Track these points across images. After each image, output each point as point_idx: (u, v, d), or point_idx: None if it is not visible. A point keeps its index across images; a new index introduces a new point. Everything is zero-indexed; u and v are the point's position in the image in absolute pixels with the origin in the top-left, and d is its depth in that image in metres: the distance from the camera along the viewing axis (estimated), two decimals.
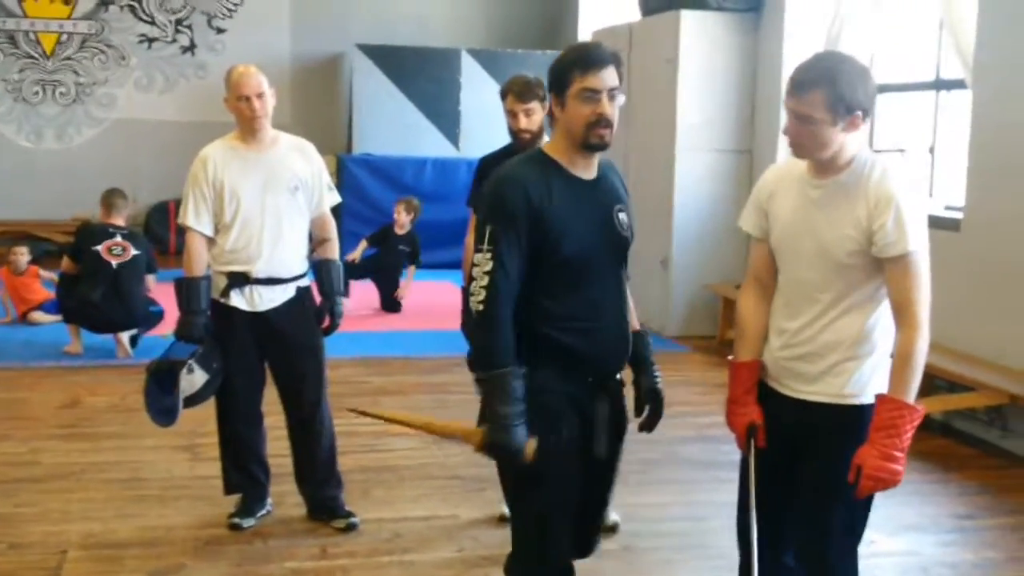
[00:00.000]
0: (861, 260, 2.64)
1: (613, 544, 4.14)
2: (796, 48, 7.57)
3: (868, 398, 2.67)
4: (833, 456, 2.68)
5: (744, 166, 8.05)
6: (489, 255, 2.58)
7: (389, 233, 8.93)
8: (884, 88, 7.10)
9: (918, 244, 2.57)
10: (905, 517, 4.54)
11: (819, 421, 2.72)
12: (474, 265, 2.60)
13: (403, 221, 8.89)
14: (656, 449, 5.31)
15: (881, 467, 2.56)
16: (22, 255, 8.18)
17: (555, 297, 2.67)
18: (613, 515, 4.26)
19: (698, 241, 8.06)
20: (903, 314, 2.60)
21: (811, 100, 2.58)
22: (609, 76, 2.62)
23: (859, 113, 2.59)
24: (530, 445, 2.62)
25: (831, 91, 2.56)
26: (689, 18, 7.90)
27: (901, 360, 2.59)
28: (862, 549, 4.19)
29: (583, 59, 2.64)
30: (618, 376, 2.90)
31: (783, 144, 8.07)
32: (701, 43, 7.93)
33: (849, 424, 2.68)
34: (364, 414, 3.04)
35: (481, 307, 2.59)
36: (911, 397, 2.58)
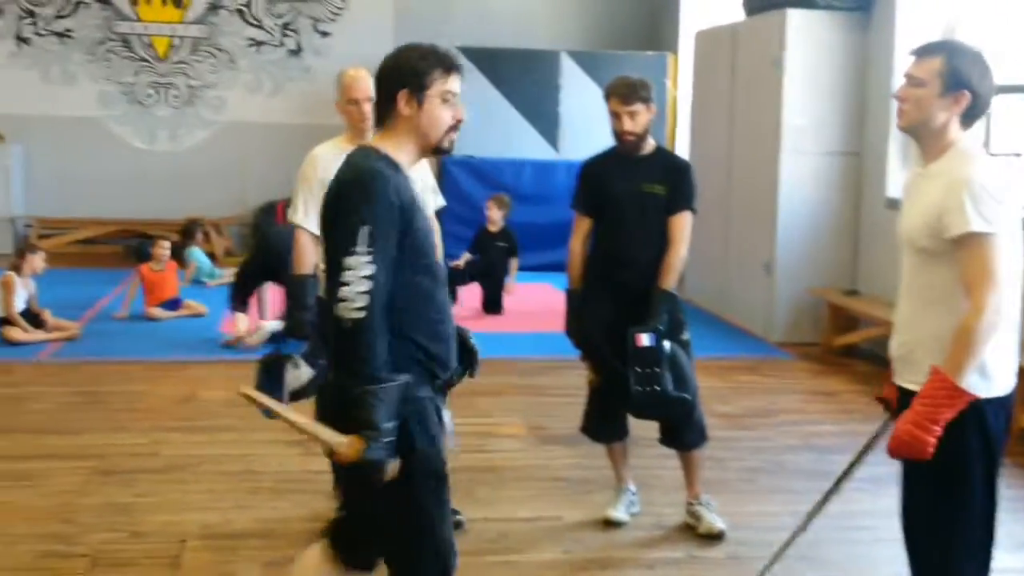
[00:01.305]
0: (939, 245, 2.64)
1: (719, 552, 4.12)
2: (908, 47, 7.38)
3: (979, 391, 2.64)
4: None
5: (852, 169, 7.90)
6: (367, 257, 2.42)
7: (484, 234, 9.00)
8: (1002, 89, 6.90)
9: (984, 227, 2.56)
10: (1022, 533, 4.42)
11: None
12: (345, 269, 2.42)
13: (495, 218, 8.95)
14: (762, 457, 5.26)
15: (909, 432, 2.60)
16: (165, 249, 8.41)
17: (418, 301, 2.57)
18: (719, 522, 4.23)
19: (803, 245, 7.93)
20: (968, 295, 2.59)
21: (927, 64, 2.68)
22: (460, 83, 2.63)
23: (966, 92, 2.65)
24: (394, 465, 2.49)
25: (948, 60, 2.65)
26: (796, 17, 7.77)
27: (956, 338, 2.59)
28: None
29: (446, 61, 2.60)
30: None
31: (894, 146, 7.94)
32: (808, 43, 7.80)
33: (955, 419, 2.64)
34: (251, 400, 2.74)
35: (362, 314, 2.40)
36: (959, 376, 2.58)
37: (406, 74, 2.57)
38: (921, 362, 2.71)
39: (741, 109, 8.63)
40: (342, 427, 2.46)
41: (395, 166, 2.56)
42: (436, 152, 2.67)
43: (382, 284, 2.44)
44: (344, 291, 2.41)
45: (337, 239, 2.47)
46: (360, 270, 2.41)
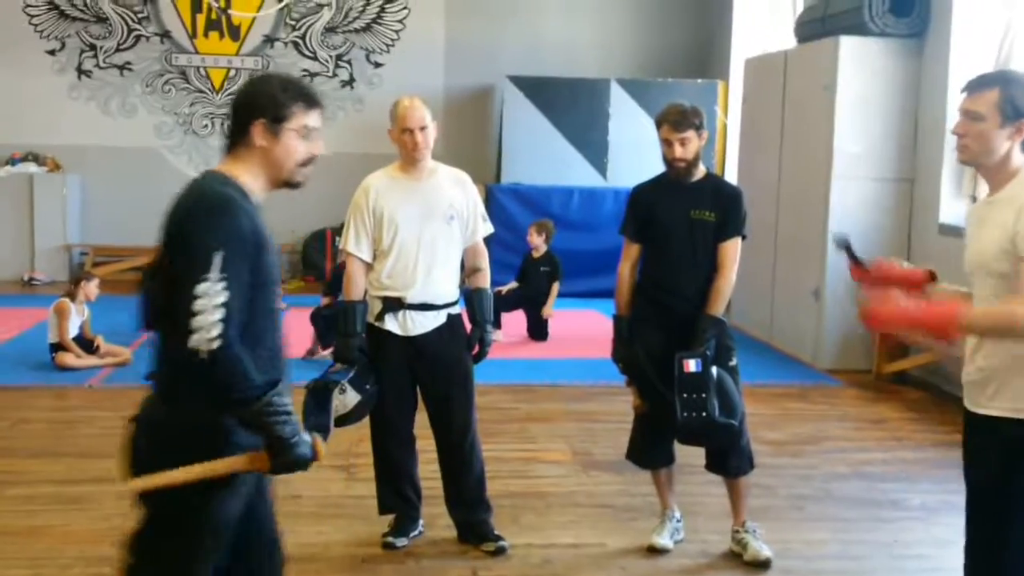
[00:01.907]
0: (1010, 266, 2.62)
1: None
2: (963, 73, 7.30)
3: None
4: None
5: (905, 195, 7.80)
6: (221, 284, 2.30)
7: (528, 261, 9.01)
8: None
9: None
10: None
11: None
12: (196, 297, 2.29)
13: (537, 243, 8.95)
14: (810, 485, 5.18)
15: (891, 310, 2.68)
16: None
17: (263, 335, 2.46)
18: (765, 550, 4.17)
19: None
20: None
21: (983, 98, 2.67)
22: (320, 119, 2.54)
23: None
24: (316, 442, 2.48)
25: (1003, 91, 2.65)
26: (848, 44, 7.72)
27: (1000, 310, 2.62)
28: None
29: (308, 95, 2.52)
30: None
31: (947, 173, 7.85)
32: (861, 69, 7.73)
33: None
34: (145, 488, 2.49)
35: (217, 343, 2.28)
36: (968, 328, 2.63)
37: (265, 105, 2.47)
38: (1002, 387, 2.69)
39: (791, 136, 8.58)
40: (178, 455, 2.37)
41: (244, 194, 2.47)
42: (286, 186, 2.56)
43: (236, 311, 2.32)
44: (197, 321, 2.28)
45: (185, 265, 2.32)
46: (213, 298, 2.29)
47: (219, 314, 2.30)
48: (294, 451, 2.41)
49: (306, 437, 2.46)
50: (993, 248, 2.68)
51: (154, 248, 2.49)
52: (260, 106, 2.48)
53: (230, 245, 2.33)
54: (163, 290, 2.40)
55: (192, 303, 2.29)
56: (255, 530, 2.66)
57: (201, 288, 2.29)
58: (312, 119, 2.52)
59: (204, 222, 2.36)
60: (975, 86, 2.73)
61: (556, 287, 8.83)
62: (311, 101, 2.52)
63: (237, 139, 2.51)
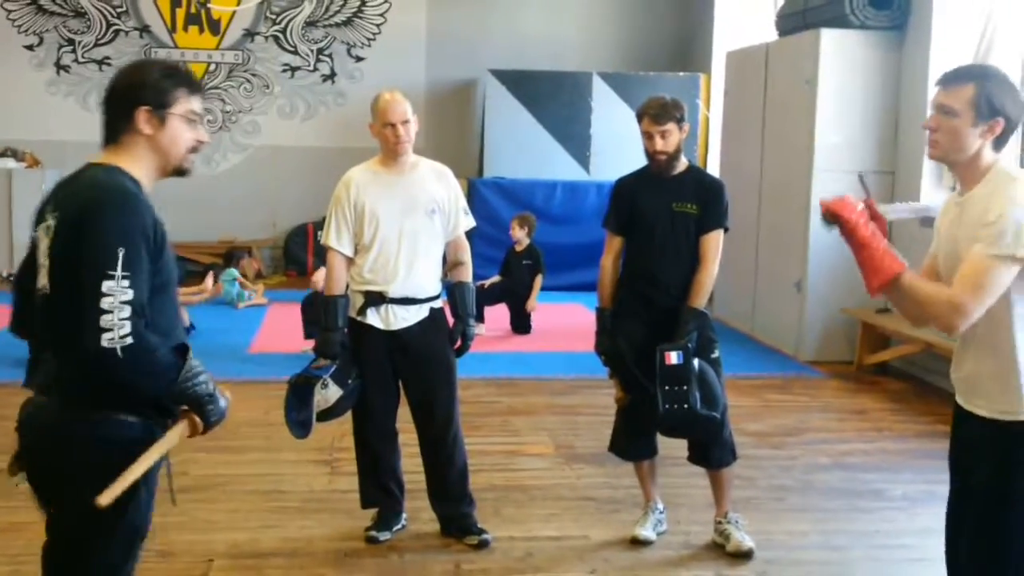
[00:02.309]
0: None
1: (748, 571, 4.07)
2: (943, 65, 7.32)
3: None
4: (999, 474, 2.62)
5: (886, 187, 7.82)
6: (127, 282, 2.23)
7: (511, 255, 8.99)
8: None
9: (1006, 253, 2.48)
10: None
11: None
12: (102, 295, 2.21)
13: (519, 236, 8.92)
14: (792, 476, 5.20)
15: (840, 211, 2.72)
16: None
17: (168, 334, 2.40)
18: (748, 541, 4.19)
19: (834, 263, 7.84)
20: (958, 286, 2.54)
21: (958, 93, 2.60)
22: (201, 104, 2.50)
23: (1000, 120, 2.58)
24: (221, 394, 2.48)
25: (979, 88, 2.57)
26: (829, 37, 7.74)
27: (927, 286, 2.60)
28: None
29: (190, 80, 2.47)
30: None
31: (928, 165, 7.90)
32: (842, 62, 7.76)
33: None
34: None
35: (128, 341, 2.21)
36: (885, 286, 2.63)
37: (148, 91, 2.40)
38: (989, 389, 2.65)
39: (773, 128, 8.60)
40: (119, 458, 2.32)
41: (139, 186, 2.41)
42: (175, 173, 2.52)
43: (143, 306, 2.27)
44: (105, 319, 2.21)
45: (88, 263, 2.23)
46: (121, 295, 2.23)
47: (126, 311, 2.22)
48: (219, 402, 2.44)
49: (220, 395, 2.47)
50: (968, 247, 2.61)
51: (31, 244, 2.42)
52: (143, 93, 2.41)
53: (133, 241, 2.27)
54: (58, 288, 2.31)
55: (99, 300, 2.21)
56: None
57: (109, 285, 2.22)
58: (195, 104, 2.46)
59: (104, 217, 2.27)
60: (950, 80, 2.64)
61: (539, 280, 8.81)
62: (193, 86, 2.47)
63: (119, 128, 2.43)
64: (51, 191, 2.45)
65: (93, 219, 2.28)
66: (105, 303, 2.22)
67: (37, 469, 2.48)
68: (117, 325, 2.22)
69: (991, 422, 2.64)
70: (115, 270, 2.23)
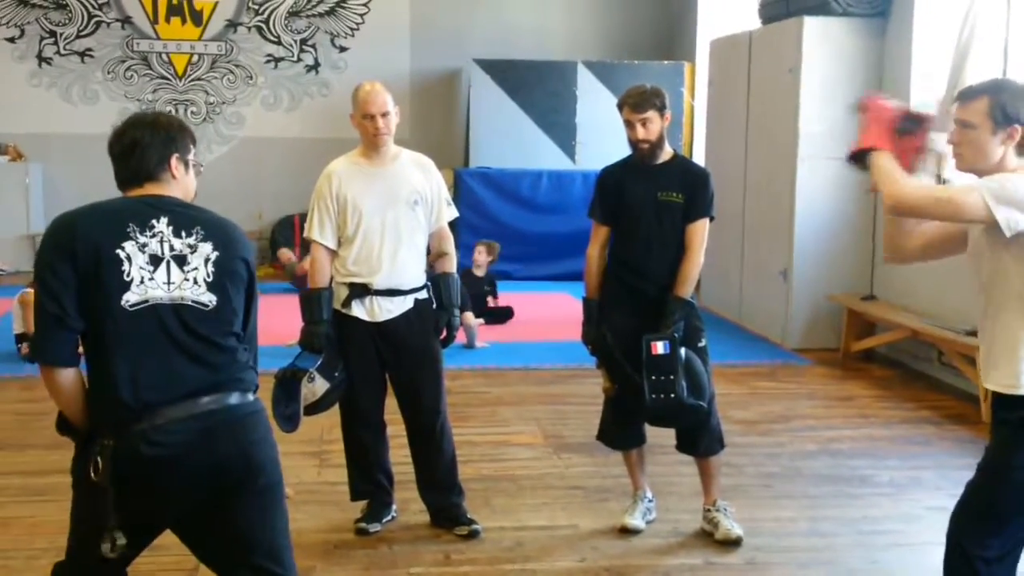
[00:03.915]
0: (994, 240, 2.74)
1: (737, 558, 4.09)
2: (925, 52, 7.37)
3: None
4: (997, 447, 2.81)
5: (868, 175, 7.85)
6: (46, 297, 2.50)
7: (468, 277, 8.53)
8: None
9: (984, 192, 2.67)
10: None
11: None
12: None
13: (480, 262, 8.81)
14: (779, 463, 5.23)
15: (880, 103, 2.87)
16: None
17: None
18: (736, 528, 4.21)
19: (820, 251, 7.90)
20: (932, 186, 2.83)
21: (974, 106, 2.77)
22: None
23: (1017, 127, 2.74)
24: None
25: (993, 98, 2.74)
26: (812, 24, 7.76)
27: (902, 181, 2.79)
28: None
29: (192, 132, 2.77)
30: None
31: None
32: (824, 49, 7.78)
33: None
34: None
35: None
36: (884, 182, 2.80)
37: (175, 142, 2.68)
38: (997, 361, 2.79)
39: (757, 117, 8.62)
40: None
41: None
42: None
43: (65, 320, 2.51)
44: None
45: (254, 279, 2.76)
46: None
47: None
48: None
49: None
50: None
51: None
52: (173, 145, 2.68)
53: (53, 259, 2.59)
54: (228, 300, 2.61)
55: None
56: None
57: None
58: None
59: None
60: (966, 96, 2.81)
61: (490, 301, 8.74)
62: (194, 137, 2.77)
63: (158, 172, 2.65)
64: (165, 212, 2.62)
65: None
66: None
67: (230, 471, 2.58)
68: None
69: (999, 396, 2.79)
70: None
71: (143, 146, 2.64)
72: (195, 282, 2.55)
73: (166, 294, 2.52)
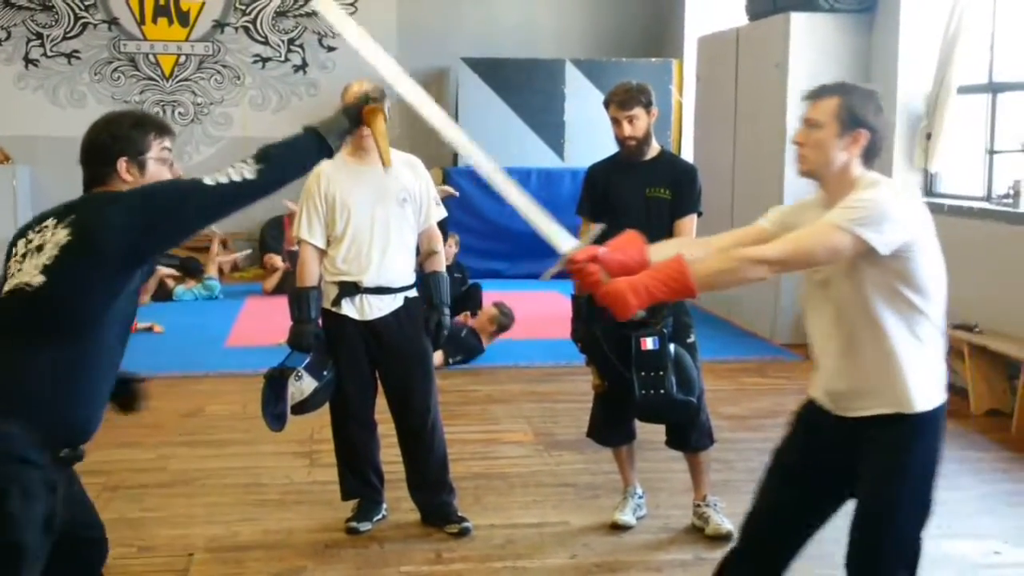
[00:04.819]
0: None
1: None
2: (912, 48, 7.39)
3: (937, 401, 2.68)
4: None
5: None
6: None
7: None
8: (1005, 87, 6.89)
9: (848, 225, 2.49)
10: None
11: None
12: None
13: (449, 254, 8.80)
14: (767, 458, 5.23)
15: (624, 293, 2.54)
16: None
17: None
18: (727, 524, 4.22)
19: None
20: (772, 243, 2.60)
21: (823, 106, 2.67)
22: (171, 140, 2.69)
23: (863, 131, 2.64)
24: None
25: (843, 100, 2.65)
26: (799, 20, 7.78)
27: (729, 257, 2.60)
28: (987, 559, 4.09)
29: (157, 123, 2.66)
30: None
31: (899, 146, 7.93)
32: (811, 45, 7.80)
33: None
34: None
35: None
36: (703, 276, 2.55)
37: (123, 143, 2.59)
38: (876, 388, 2.68)
39: (745, 113, 8.63)
40: None
41: None
42: None
43: None
44: None
45: None
46: None
47: None
48: None
49: None
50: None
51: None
52: (119, 144, 2.60)
53: None
54: None
55: None
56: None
57: None
58: (167, 143, 2.66)
59: None
60: (814, 95, 2.71)
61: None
62: (162, 129, 2.66)
63: (105, 177, 2.61)
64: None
65: None
66: None
67: None
68: None
69: (879, 418, 2.66)
70: None
71: (88, 150, 2.64)
72: (36, 267, 2.41)
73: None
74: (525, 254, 9.03)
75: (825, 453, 2.79)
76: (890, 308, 2.59)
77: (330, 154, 2.74)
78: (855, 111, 2.64)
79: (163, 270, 9.48)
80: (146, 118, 2.69)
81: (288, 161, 2.65)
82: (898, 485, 2.66)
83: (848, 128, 2.63)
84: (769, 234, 2.77)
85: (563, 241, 2.77)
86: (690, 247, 2.84)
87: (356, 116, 2.88)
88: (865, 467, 2.70)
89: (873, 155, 2.69)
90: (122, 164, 2.59)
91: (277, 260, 10.44)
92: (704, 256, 2.69)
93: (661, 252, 2.76)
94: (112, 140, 2.62)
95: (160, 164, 2.64)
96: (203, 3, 11.72)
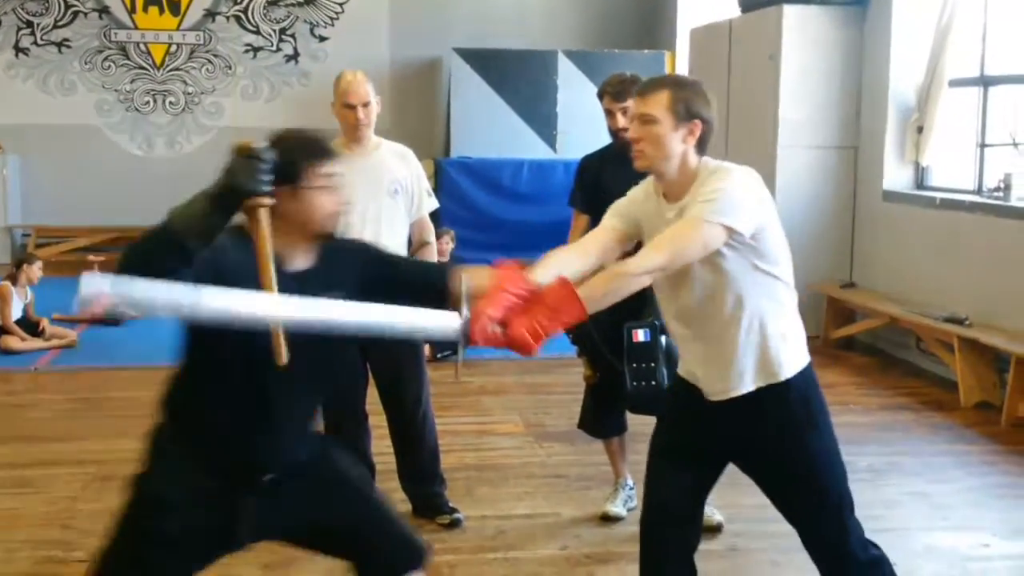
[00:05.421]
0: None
1: (717, 545, 4.12)
2: (904, 41, 7.40)
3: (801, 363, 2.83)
4: None
5: (849, 162, 7.90)
6: None
7: None
8: (996, 80, 6.90)
9: (713, 217, 2.54)
10: (1022, 520, 4.41)
11: None
12: None
13: (444, 250, 8.82)
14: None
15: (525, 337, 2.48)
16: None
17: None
18: (717, 515, 4.23)
19: (799, 239, 7.84)
20: (652, 249, 2.61)
21: (655, 99, 2.66)
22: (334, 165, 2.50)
23: (698, 122, 2.67)
24: None
25: (674, 93, 2.66)
26: (792, 12, 7.78)
27: (615, 275, 2.59)
28: (976, 552, 4.11)
29: (319, 149, 2.48)
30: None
31: (891, 139, 7.95)
32: (804, 37, 7.80)
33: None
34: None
35: None
36: (591, 296, 2.52)
37: (279, 169, 2.32)
38: (745, 367, 2.75)
39: (737, 105, 8.63)
40: None
41: (242, 248, 2.33)
42: (320, 238, 2.50)
43: None
44: None
45: None
46: None
47: None
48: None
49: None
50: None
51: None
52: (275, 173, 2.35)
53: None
54: None
55: None
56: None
57: None
58: (327, 168, 2.47)
59: None
60: (644, 89, 2.71)
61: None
62: (320, 154, 2.47)
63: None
64: None
65: None
66: None
67: None
68: None
69: (755, 393, 2.74)
70: None
71: None
72: None
73: None
74: (517, 245, 9.01)
75: (706, 432, 2.86)
76: (751, 284, 2.67)
77: (188, 260, 2.19)
78: (689, 103, 2.66)
79: None
80: (306, 142, 2.50)
81: (137, 257, 2.21)
82: (806, 444, 2.80)
83: (683, 120, 2.66)
84: (621, 231, 2.82)
85: (448, 325, 2.49)
86: (567, 256, 2.82)
87: (230, 208, 2.29)
88: (760, 444, 2.81)
89: (705, 144, 2.72)
90: (278, 194, 2.35)
91: None
92: (589, 278, 2.64)
93: (546, 267, 2.71)
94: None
95: (318, 193, 2.45)
96: None
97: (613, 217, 2.87)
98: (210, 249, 2.25)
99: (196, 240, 2.19)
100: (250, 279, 2.26)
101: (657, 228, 2.74)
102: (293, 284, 2.37)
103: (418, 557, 2.75)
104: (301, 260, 2.50)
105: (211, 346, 2.43)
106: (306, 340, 2.31)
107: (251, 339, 2.27)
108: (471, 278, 2.57)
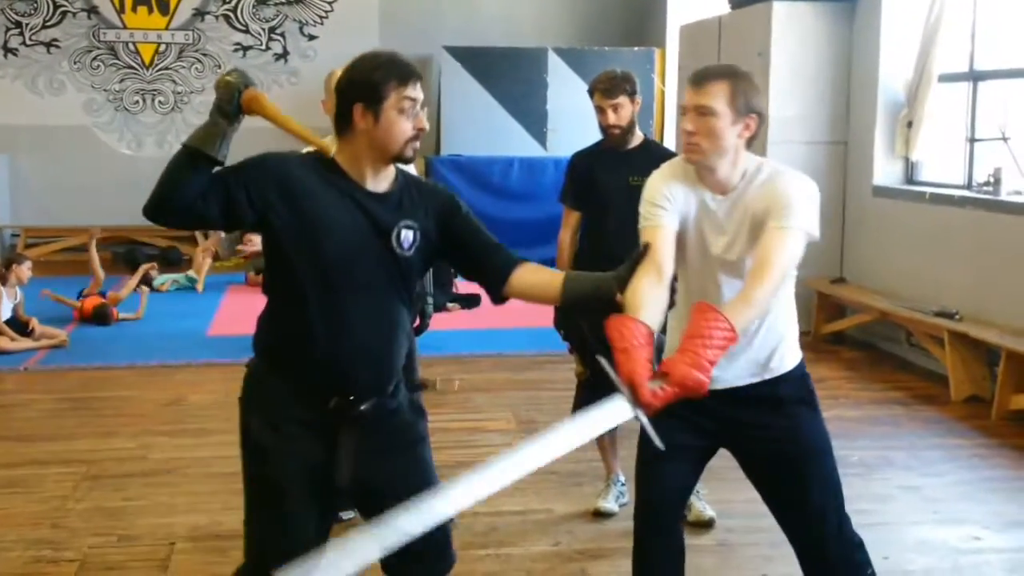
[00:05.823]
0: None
1: (709, 539, 4.12)
2: (893, 36, 7.41)
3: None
4: None
5: (839, 158, 7.91)
6: None
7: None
8: (985, 75, 6.91)
9: (801, 227, 2.57)
10: (1013, 513, 4.43)
11: None
12: None
13: None
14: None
15: (693, 374, 2.34)
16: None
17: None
18: (708, 510, 4.23)
19: None
20: (764, 271, 2.52)
21: (713, 90, 2.57)
22: (418, 90, 2.48)
23: (755, 116, 2.60)
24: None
25: (733, 84, 2.58)
26: (781, 9, 7.78)
27: (752, 301, 2.49)
28: (967, 545, 4.12)
29: (403, 70, 2.46)
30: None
31: (880, 135, 7.96)
32: (793, 34, 7.81)
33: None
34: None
35: None
36: (740, 321, 2.43)
37: (360, 87, 2.45)
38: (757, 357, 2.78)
39: None
40: None
41: (327, 165, 2.52)
42: (397, 160, 2.52)
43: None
44: None
45: None
46: None
47: None
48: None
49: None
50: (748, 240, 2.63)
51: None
52: (356, 89, 2.46)
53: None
54: None
55: None
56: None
57: None
58: (410, 91, 2.45)
59: None
60: (703, 78, 2.60)
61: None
62: (404, 75, 2.45)
63: (345, 123, 2.50)
64: None
65: None
66: None
67: None
68: None
69: (760, 385, 2.76)
70: None
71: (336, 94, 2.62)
72: None
73: None
74: (508, 243, 8.93)
75: (701, 423, 2.85)
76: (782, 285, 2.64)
77: (211, 163, 2.46)
78: (748, 96, 2.59)
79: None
80: (389, 62, 2.47)
81: (160, 182, 2.48)
82: (805, 433, 2.82)
83: (742, 113, 2.58)
84: (674, 230, 2.69)
85: (619, 412, 2.47)
86: (649, 285, 2.62)
87: (234, 109, 2.51)
88: (763, 429, 2.80)
89: (754, 139, 2.66)
90: (357, 110, 2.44)
91: (256, 240, 10.41)
92: (736, 304, 2.52)
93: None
94: (352, 84, 2.48)
95: (398, 115, 2.43)
96: None
97: (662, 217, 2.70)
98: (275, 163, 2.55)
99: (209, 146, 2.44)
100: (316, 194, 2.46)
101: (703, 220, 2.68)
102: (372, 203, 2.46)
103: (444, 571, 2.72)
104: (381, 182, 2.52)
105: (289, 271, 2.47)
106: (378, 256, 2.46)
107: (324, 259, 2.42)
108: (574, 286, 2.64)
